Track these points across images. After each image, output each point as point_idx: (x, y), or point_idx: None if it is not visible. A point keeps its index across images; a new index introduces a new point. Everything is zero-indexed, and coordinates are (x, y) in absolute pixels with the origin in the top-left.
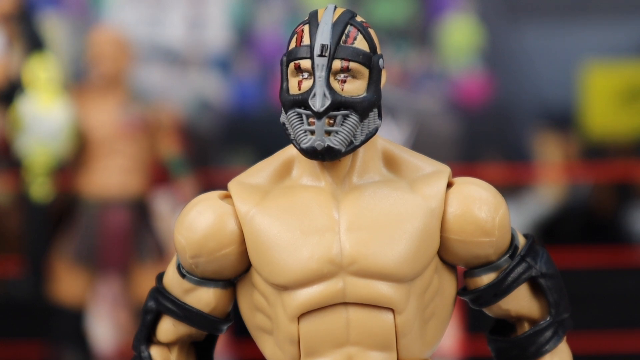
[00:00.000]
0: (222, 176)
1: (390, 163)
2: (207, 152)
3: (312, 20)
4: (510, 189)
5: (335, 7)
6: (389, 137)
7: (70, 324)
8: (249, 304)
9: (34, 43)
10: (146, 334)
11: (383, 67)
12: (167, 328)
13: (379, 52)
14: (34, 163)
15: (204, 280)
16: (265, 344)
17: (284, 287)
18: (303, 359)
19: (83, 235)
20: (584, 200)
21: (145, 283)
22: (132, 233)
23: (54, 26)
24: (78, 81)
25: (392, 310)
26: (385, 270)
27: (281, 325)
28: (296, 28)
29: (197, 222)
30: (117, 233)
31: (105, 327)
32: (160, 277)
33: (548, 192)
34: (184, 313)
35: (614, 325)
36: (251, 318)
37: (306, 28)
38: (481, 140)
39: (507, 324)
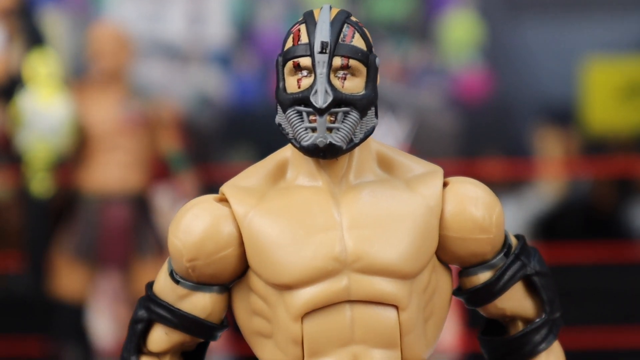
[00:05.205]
0: (222, 172)
1: (384, 164)
2: (207, 148)
3: (309, 19)
4: (510, 185)
5: (331, 7)
6: (389, 133)
7: (70, 320)
8: (245, 309)
9: (34, 38)
10: (136, 344)
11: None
12: (159, 337)
13: (373, 52)
14: (34, 158)
15: (200, 285)
16: (264, 349)
17: (288, 287)
18: (307, 359)
19: (83, 230)
20: (584, 195)
21: (145, 278)
22: (132, 228)
23: (54, 22)
24: (78, 77)
25: (395, 307)
26: (389, 267)
27: (283, 327)
28: (291, 28)
29: (194, 224)
30: (117, 228)
31: (105, 323)
32: (150, 286)
33: (548, 187)
34: (178, 320)
35: (614, 320)
36: (248, 323)
37: (303, 27)
38: (481, 136)
39: (498, 326)
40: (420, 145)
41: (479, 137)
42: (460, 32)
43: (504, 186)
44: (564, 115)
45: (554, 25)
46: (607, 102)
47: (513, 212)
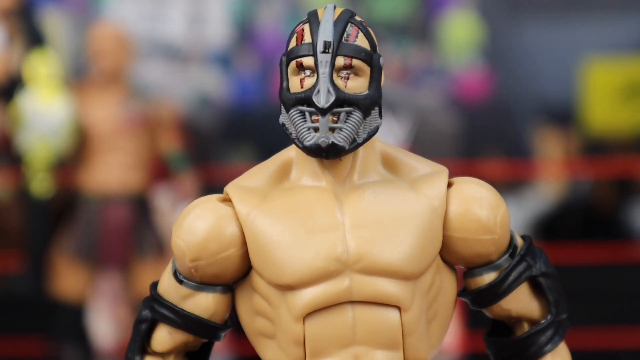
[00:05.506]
0: (222, 172)
1: (389, 164)
2: (207, 148)
3: (313, 19)
4: (510, 185)
5: (335, 7)
6: (389, 133)
7: (70, 320)
8: (248, 309)
9: (34, 39)
10: (140, 344)
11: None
12: (163, 337)
13: (378, 51)
14: (35, 159)
15: (203, 285)
16: (266, 349)
17: (289, 287)
18: None
19: (83, 230)
20: (584, 196)
21: (145, 279)
22: (132, 229)
23: (54, 22)
24: (78, 77)
25: (398, 308)
26: (391, 268)
27: (285, 327)
28: (295, 28)
29: (197, 224)
30: (117, 229)
31: (105, 323)
32: (154, 286)
33: (548, 188)
34: (182, 320)
35: (615, 321)
36: (251, 323)
37: (306, 27)
38: (481, 136)
39: (504, 327)
40: (421, 145)
41: (479, 138)
42: (460, 32)
43: (504, 186)
44: (563, 116)
45: (554, 26)
46: (607, 103)
47: (513, 212)
